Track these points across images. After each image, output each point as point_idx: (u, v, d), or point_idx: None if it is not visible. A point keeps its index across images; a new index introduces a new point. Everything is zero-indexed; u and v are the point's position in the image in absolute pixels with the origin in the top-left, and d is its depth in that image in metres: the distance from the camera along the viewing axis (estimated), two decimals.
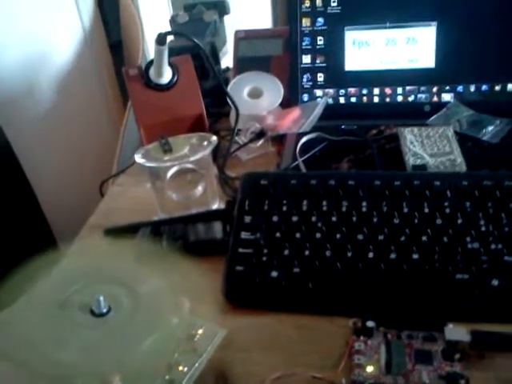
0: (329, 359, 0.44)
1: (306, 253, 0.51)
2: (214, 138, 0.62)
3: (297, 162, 0.67)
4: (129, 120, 0.89)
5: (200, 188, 0.63)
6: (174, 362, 0.40)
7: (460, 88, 0.75)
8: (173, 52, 0.76)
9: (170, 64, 0.75)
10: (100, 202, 0.72)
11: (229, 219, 0.59)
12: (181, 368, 0.40)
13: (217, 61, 0.92)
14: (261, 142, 0.75)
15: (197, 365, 0.41)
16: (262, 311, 0.49)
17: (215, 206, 0.64)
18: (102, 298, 0.39)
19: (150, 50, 1.09)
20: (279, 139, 0.76)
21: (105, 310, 0.39)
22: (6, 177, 0.91)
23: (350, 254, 0.51)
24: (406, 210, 0.53)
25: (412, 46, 0.76)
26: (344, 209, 0.54)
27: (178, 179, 0.62)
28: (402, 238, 0.51)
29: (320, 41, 0.79)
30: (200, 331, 0.43)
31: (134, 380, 0.38)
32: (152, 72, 0.75)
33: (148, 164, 0.60)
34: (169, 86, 0.76)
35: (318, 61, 0.80)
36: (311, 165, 0.67)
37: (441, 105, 0.75)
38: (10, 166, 0.93)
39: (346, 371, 0.42)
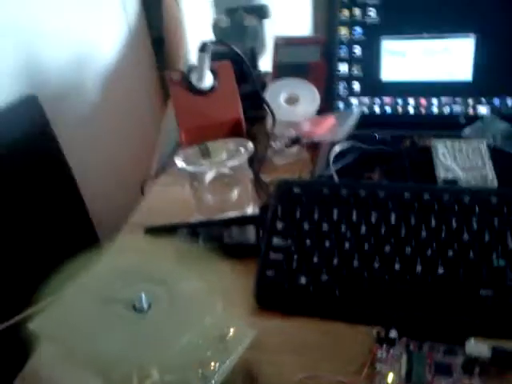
0: (352, 365, 0.46)
1: (335, 261, 0.54)
2: (251, 144, 0.65)
3: (329, 171, 0.69)
4: (168, 120, 0.93)
5: (235, 192, 0.66)
6: (206, 358, 0.43)
7: (496, 101, 0.76)
8: (214, 57, 0.78)
9: (211, 69, 0.78)
10: (141, 201, 0.75)
11: (262, 224, 0.62)
12: (212, 364, 0.43)
13: (256, 65, 0.95)
14: (295, 148, 0.77)
15: (227, 363, 0.44)
16: (289, 315, 0.52)
17: (249, 210, 0.67)
18: (143, 295, 0.43)
19: (192, 51, 1.12)
20: (314, 145, 0.78)
21: (146, 307, 0.43)
22: (51, 172, 0.95)
23: (377, 265, 0.53)
24: (433, 223, 0.55)
25: (449, 58, 0.76)
26: (373, 220, 0.56)
27: (215, 183, 0.66)
28: (429, 252, 0.53)
29: (357, 50, 0.80)
30: (231, 331, 0.46)
31: (170, 373, 0.41)
32: (193, 77, 0.78)
33: (187, 168, 0.63)
34: (209, 91, 0.79)
35: (354, 69, 0.81)
36: (344, 173, 0.69)
37: (476, 117, 0.75)
38: (56, 162, 0.97)
39: (369, 378, 0.44)
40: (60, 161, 0.97)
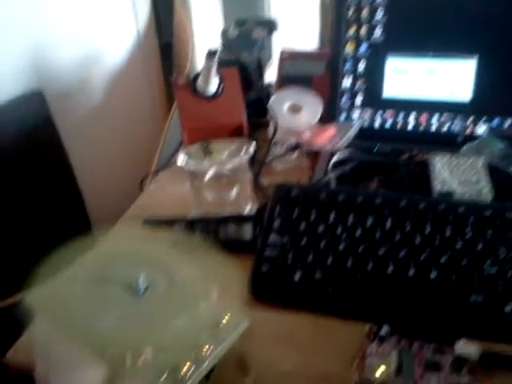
0: (342, 358, 0.47)
1: (329, 261, 0.54)
2: (253, 145, 0.66)
3: (328, 178, 0.70)
4: (172, 121, 0.94)
5: (234, 191, 0.67)
6: (199, 343, 0.44)
7: (495, 121, 0.77)
8: (221, 64, 0.80)
9: (218, 74, 0.80)
10: (139, 196, 0.76)
11: (259, 222, 0.63)
12: (205, 349, 0.44)
13: (261, 75, 0.97)
14: (295, 154, 0.79)
15: (220, 348, 0.44)
16: (283, 308, 0.52)
17: (247, 209, 0.68)
18: (142, 277, 0.43)
19: (199, 57, 1.14)
20: (313, 154, 0.79)
21: (143, 289, 0.43)
22: (51, 165, 0.96)
23: (370, 266, 0.53)
24: (428, 230, 0.56)
25: (451, 77, 0.78)
26: (369, 224, 0.57)
27: (215, 181, 0.67)
28: (422, 257, 0.54)
29: (361, 65, 0.82)
30: (225, 319, 0.46)
31: (163, 354, 0.41)
32: (199, 82, 0.79)
33: (188, 166, 0.64)
34: (214, 96, 0.80)
35: (357, 84, 0.83)
36: (342, 181, 0.70)
37: (474, 136, 0.77)
38: (56, 156, 0.98)
39: (358, 371, 0.45)
40: (60, 155, 0.98)
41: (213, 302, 0.45)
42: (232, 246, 0.61)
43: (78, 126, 1.03)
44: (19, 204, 0.88)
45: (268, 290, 0.54)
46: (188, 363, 0.41)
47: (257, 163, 0.76)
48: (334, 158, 0.73)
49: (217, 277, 0.46)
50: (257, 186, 0.72)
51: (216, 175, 0.66)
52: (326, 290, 0.53)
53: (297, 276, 0.54)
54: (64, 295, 0.44)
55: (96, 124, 1.07)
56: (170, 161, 0.82)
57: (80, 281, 0.45)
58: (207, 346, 0.43)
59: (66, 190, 0.99)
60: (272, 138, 0.78)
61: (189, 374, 0.41)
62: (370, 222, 0.57)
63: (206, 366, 0.42)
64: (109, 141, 1.10)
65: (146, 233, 0.62)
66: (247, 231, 0.63)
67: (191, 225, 0.64)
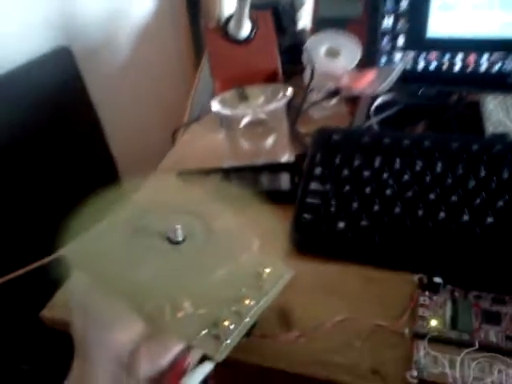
0: (391, 310, 0.44)
1: (375, 208, 0.51)
2: (290, 90, 0.62)
3: (370, 122, 0.66)
4: (202, 72, 0.91)
5: (271, 139, 0.64)
6: (240, 295, 0.41)
7: None
8: (253, 7, 0.76)
9: (250, 18, 0.75)
10: (172, 149, 0.74)
11: (297, 172, 0.60)
12: (247, 302, 0.41)
13: (295, 19, 0.92)
14: (334, 101, 0.74)
15: (262, 302, 0.41)
16: (327, 259, 0.50)
17: (284, 159, 0.65)
18: (179, 227, 0.41)
19: (227, 4, 1.09)
20: (352, 100, 0.75)
21: (180, 239, 0.41)
22: (80, 121, 0.95)
23: (420, 213, 0.50)
24: (483, 173, 0.51)
25: (502, 12, 0.72)
26: (418, 168, 0.53)
27: (251, 129, 0.63)
28: (477, 201, 0.50)
29: (404, 3, 0.76)
30: (268, 270, 0.44)
31: (203, 308, 0.39)
32: (231, 25, 0.75)
33: (223, 112, 0.61)
34: (247, 40, 0.76)
35: (399, 24, 0.77)
36: (385, 126, 0.66)
37: None
38: (85, 112, 0.97)
39: (410, 323, 0.42)
40: (89, 111, 0.97)
41: (254, 254, 0.42)
42: (269, 197, 0.58)
43: (106, 82, 1.01)
44: (49, 160, 0.88)
45: (311, 240, 0.51)
46: (229, 319, 0.39)
47: (293, 111, 0.72)
48: (377, 102, 0.68)
49: (257, 227, 0.44)
50: (294, 134, 0.69)
51: (252, 123, 0.63)
52: (372, 238, 0.49)
53: (341, 225, 0.50)
54: (100, 248, 0.42)
55: (124, 78, 1.05)
56: (201, 112, 0.79)
57: (116, 233, 0.43)
58: (248, 300, 0.40)
59: (96, 146, 0.98)
60: (309, 84, 0.74)
61: (230, 330, 0.38)
62: (418, 166, 0.53)
63: (247, 321, 0.39)
64: (137, 95, 1.08)
65: (180, 184, 0.60)
66: (285, 181, 0.60)
67: (227, 175, 0.61)
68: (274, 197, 0.58)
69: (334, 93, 0.74)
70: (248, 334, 0.39)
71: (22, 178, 0.83)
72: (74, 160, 0.92)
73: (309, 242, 0.51)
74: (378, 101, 0.69)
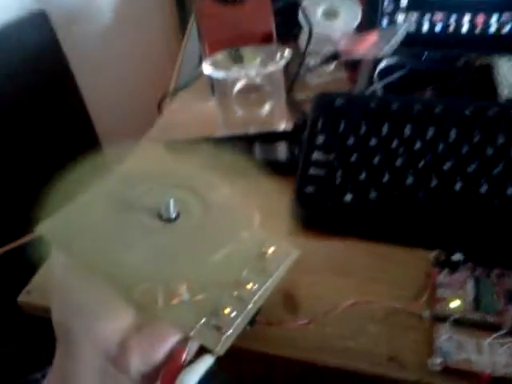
0: (406, 291, 0.40)
1: (385, 179, 0.47)
2: (288, 51, 0.57)
3: (374, 87, 0.61)
4: (190, 36, 0.85)
5: (267, 106, 0.59)
6: (242, 278, 0.37)
7: None
8: None
9: None
10: (159, 117, 0.68)
11: (296, 141, 0.55)
12: (249, 286, 0.36)
13: None
14: (332, 66, 0.69)
15: (266, 285, 0.37)
16: (333, 235, 0.45)
17: (281, 128, 0.60)
18: (172, 202, 0.35)
19: None
20: (352, 65, 0.70)
21: (174, 215, 0.35)
22: (59, 88, 0.89)
23: (434, 184, 0.46)
24: (501, 140, 0.47)
25: None
26: (430, 135, 0.49)
27: (244, 95, 0.58)
28: (496, 171, 0.45)
29: None
30: (271, 250, 0.39)
31: (201, 293, 0.35)
32: None
33: (216, 74, 0.56)
34: (238, 1, 0.70)
35: None
36: (389, 91, 0.61)
37: None
38: (63, 79, 0.91)
39: (428, 304, 0.38)
40: (68, 77, 0.92)
41: (256, 230, 0.37)
42: (266, 168, 0.54)
43: (87, 48, 0.96)
44: (25, 128, 0.82)
45: (316, 214, 0.47)
46: (230, 306, 0.34)
47: (288, 77, 0.67)
48: (380, 66, 0.64)
49: (254, 201, 0.39)
50: (290, 101, 0.64)
51: (246, 88, 0.58)
52: (382, 212, 0.45)
53: (348, 197, 0.46)
54: (82, 225, 0.36)
55: (105, 45, 0.99)
56: (189, 79, 0.73)
57: (100, 207, 0.37)
58: (251, 284, 0.36)
59: (75, 115, 0.92)
60: (306, 48, 0.68)
61: (231, 318, 0.34)
62: (430, 133, 0.49)
63: (250, 308, 0.35)
64: (119, 61, 1.02)
65: (170, 155, 0.55)
66: (282, 151, 0.56)
67: (220, 145, 0.56)
68: (271, 168, 0.54)
69: (333, 57, 0.69)
70: (251, 322, 0.35)
71: None
72: (51, 128, 0.86)
73: (313, 216, 0.47)
74: (382, 65, 0.64)
